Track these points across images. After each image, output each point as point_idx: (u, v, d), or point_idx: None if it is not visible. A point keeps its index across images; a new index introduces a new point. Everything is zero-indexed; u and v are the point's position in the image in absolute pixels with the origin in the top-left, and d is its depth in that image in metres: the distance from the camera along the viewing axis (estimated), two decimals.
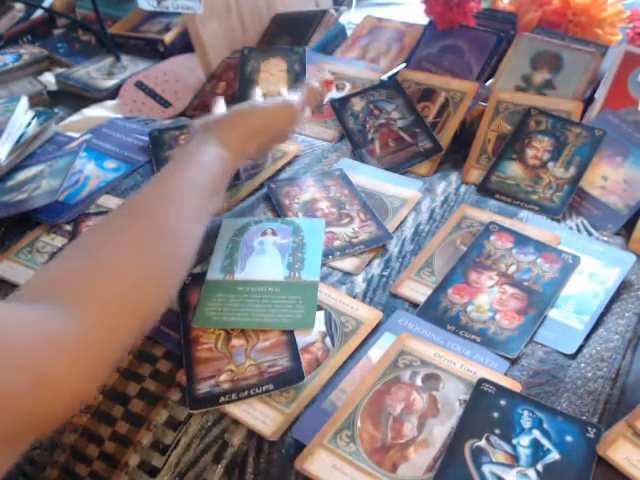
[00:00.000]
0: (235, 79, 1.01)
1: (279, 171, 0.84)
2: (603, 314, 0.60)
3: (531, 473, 0.47)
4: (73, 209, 0.79)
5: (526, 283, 0.63)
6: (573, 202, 0.74)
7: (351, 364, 0.57)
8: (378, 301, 0.64)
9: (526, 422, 0.50)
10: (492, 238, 0.68)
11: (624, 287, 0.62)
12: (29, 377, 0.38)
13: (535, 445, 0.49)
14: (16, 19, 1.30)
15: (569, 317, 0.60)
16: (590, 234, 0.70)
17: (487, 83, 0.90)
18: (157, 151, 0.88)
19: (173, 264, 0.53)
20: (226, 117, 0.70)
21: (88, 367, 0.43)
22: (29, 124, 0.94)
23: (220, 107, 0.76)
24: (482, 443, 0.49)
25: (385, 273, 0.67)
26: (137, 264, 0.50)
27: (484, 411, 0.51)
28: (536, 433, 0.50)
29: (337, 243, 0.70)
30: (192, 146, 0.65)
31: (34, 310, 0.43)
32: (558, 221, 0.72)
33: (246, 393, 0.55)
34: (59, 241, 0.75)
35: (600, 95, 0.81)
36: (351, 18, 1.23)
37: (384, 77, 0.95)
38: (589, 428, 0.50)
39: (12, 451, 0.39)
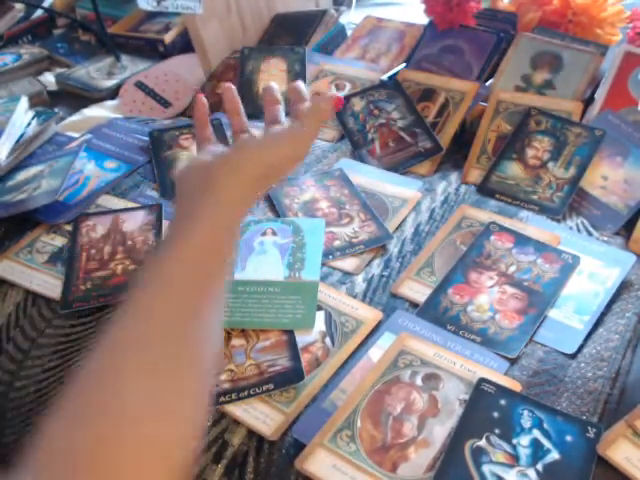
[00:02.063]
0: (235, 79, 1.01)
1: None
2: (603, 314, 0.60)
3: (531, 473, 0.47)
4: (73, 209, 0.79)
5: (526, 283, 0.63)
6: (573, 202, 0.74)
7: (351, 364, 0.57)
8: (378, 301, 0.64)
9: (526, 422, 0.50)
10: (492, 238, 0.68)
11: (624, 287, 0.62)
12: None
13: (535, 445, 0.49)
14: (16, 19, 1.30)
15: (569, 317, 0.60)
16: (590, 234, 0.70)
17: (487, 83, 0.90)
18: (157, 151, 0.88)
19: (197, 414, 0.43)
20: (223, 160, 0.51)
21: None
22: (29, 124, 0.94)
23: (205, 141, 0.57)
24: (482, 443, 0.49)
25: (385, 273, 0.67)
26: (160, 424, 0.39)
27: (484, 411, 0.51)
28: (536, 433, 0.50)
29: (337, 243, 0.70)
30: (180, 223, 0.47)
31: None
32: (558, 221, 0.72)
33: (246, 393, 0.55)
34: (59, 241, 0.75)
35: (600, 95, 0.81)
36: (351, 18, 1.23)
37: (384, 77, 0.95)
38: (589, 428, 0.50)
39: None
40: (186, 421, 0.42)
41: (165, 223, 0.75)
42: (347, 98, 0.91)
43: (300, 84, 0.57)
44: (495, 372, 0.55)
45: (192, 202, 0.49)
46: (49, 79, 1.14)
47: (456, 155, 0.84)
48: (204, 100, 0.59)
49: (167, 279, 0.44)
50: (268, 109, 0.55)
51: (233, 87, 0.58)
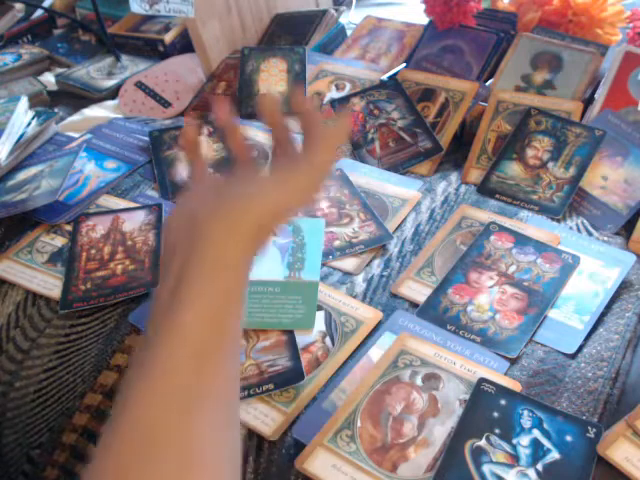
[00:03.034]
0: (235, 79, 1.01)
1: None
2: (603, 314, 0.60)
3: (531, 473, 0.47)
4: (73, 209, 0.79)
5: (526, 283, 0.63)
6: (573, 202, 0.74)
7: (351, 364, 0.57)
8: (378, 301, 0.64)
9: (526, 422, 0.50)
10: (492, 238, 0.68)
11: (624, 287, 0.62)
12: None
13: (535, 445, 0.49)
14: (16, 19, 1.30)
15: (569, 317, 0.60)
16: (590, 234, 0.70)
17: (487, 83, 0.90)
18: (157, 151, 0.88)
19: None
20: (212, 212, 0.42)
21: None
22: (29, 124, 0.94)
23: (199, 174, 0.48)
24: (482, 443, 0.49)
25: (385, 273, 0.67)
26: None
27: (484, 411, 0.51)
28: (536, 433, 0.50)
29: (337, 243, 0.70)
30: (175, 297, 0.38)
31: None
32: (558, 221, 0.72)
33: (246, 393, 0.55)
34: (59, 241, 0.75)
35: (600, 95, 0.81)
36: (351, 18, 1.23)
37: (384, 77, 0.95)
38: (589, 428, 0.50)
39: None
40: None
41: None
42: (347, 98, 0.91)
43: (309, 100, 0.48)
44: (495, 372, 0.55)
45: (181, 267, 0.40)
46: (49, 79, 1.14)
47: (456, 155, 0.84)
48: (193, 123, 0.47)
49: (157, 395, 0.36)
50: (276, 137, 0.47)
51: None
